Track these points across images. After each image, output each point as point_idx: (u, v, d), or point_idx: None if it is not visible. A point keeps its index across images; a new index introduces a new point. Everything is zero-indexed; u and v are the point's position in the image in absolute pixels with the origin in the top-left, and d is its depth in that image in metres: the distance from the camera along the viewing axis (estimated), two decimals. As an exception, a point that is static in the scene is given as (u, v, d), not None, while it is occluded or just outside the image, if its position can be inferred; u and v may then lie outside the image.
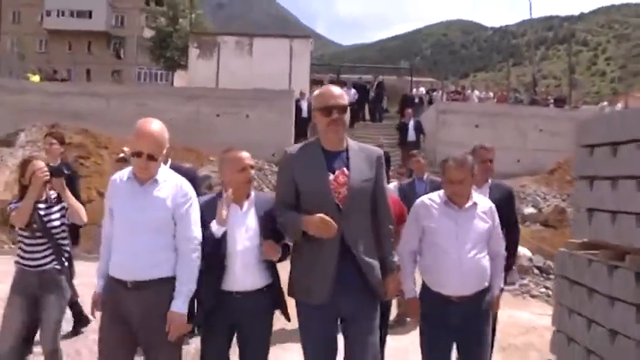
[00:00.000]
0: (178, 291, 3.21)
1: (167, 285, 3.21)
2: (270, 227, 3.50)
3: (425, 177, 7.42)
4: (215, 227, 3.35)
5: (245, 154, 3.57)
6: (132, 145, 3.26)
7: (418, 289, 3.91)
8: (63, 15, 53.17)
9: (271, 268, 3.54)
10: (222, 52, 23.16)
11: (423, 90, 27.49)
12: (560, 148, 17.05)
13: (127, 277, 3.18)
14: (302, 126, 19.38)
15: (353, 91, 22.15)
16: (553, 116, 20.74)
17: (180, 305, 3.19)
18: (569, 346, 4.71)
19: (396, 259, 3.46)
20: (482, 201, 3.84)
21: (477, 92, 27.06)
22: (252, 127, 18.08)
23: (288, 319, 3.55)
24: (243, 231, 3.47)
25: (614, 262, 4.36)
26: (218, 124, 17.92)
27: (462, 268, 3.58)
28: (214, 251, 3.36)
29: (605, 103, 32.33)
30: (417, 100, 23.63)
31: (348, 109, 3.31)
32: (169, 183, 3.32)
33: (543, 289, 7.50)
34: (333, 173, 3.22)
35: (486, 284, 3.74)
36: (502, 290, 3.95)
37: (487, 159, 4.84)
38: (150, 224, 3.20)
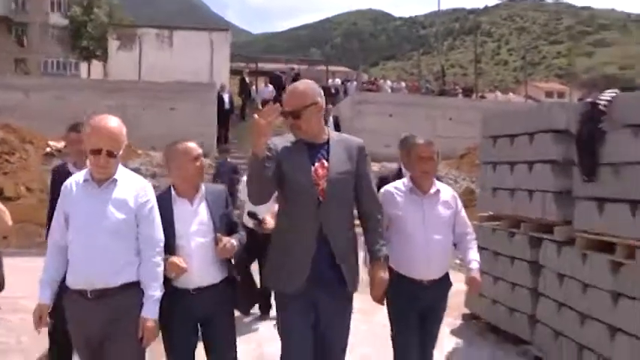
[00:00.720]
0: (147, 296, 3.07)
1: (131, 291, 3.04)
2: (224, 221, 3.45)
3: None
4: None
5: (194, 144, 3.43)
6: (87, 142, 3.04)
7: None
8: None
9: (227, 261, 3.45)
10: (142, 44, 23.13)
11: (338, 81, 28.54)
12: (468, 135, 18.30)
13: (87, 286, 2.97)
14: (224, 117, 19.92)
15: (269, 88, 22.98)
16: (460, 106, 22.40)
17: (151, 311, 3.06)
18: (479, 299, 5.85)
19: (384, 248, 3.35)
20: (444, 188, 3.90)
21: (389, 82, 28.34)
22: (177, 120, 18.28)
23: (244, 313, 3.50)
24: (195, 227, 3.33)
25: (512, 230, 5.49)
26: (144, 118, 17.92)
27: (428, 252, 3.66)
28: (167, 249, 3.21)
29: (511, 94, 34.65)
30: (333, 91, 24.62)
31: (311, 108, 3.19)
32: (129, 182, 3.15)
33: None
34: (313, 165, 3.18)
35: (447, 268, 3.87)
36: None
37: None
38: (111, 227, 3.00)
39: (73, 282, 3.03)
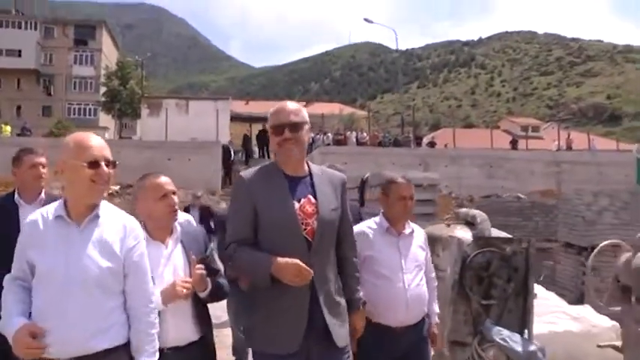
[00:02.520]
0: None
1: (118, 356, 2.38)
2: (204, 267, 2.83)
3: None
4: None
5: (165, 179, 2.88)
6: (75, 158, 2.36)
7: None
8: (-7, 54, 55.99)
9: (204, 315, 2.91)
10: (167, 111, 30.47)
11: (311, 135, 34.15)
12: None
13: (61, 354, 2.25)
14: (229, 165, 26.76)
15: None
16: (401, 153, 28.68)
17: None
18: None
19: (361, 294, 3.04)
20: (417, 229, 3.64)
21: (354, 134, 33.80)
22: (193, 167, 24.46)
23: None
24: (169, 275, 2.76)
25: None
26: (169, 166, 23.74)
27: (407, 297, 3.35)
28: None
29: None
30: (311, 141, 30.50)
31: (306, 127, 2.84)
32: (114, 220, 2.46)
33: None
34: (299, 202, 2.71)
35: (425, 311, 3.56)
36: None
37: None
38: (93, 279, 2.31)
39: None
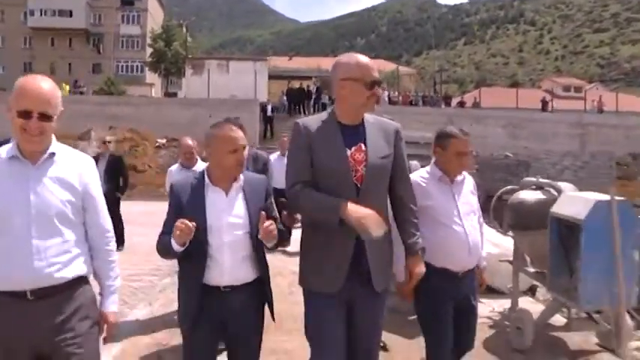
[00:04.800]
0: (105, 287, 2.64)
1: (82, 286, 2.50)
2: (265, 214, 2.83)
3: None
4: (174, 244, 2.69)
5: (238, 133, 2.89)
6: (14, 105, 2.33)
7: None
8: (45, 14, 58.47)
9: (262, 259, 2.94)
10: (209, 71, 32.37)
11: None
12: (430, 133, 25.76)
13: (26, 286, 2.31)
14: (267, 121, 28.70)
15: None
16: (429, 112, 29.68)
17: (111, 304, 2.64)
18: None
19: (421, 241, 2.98)
20: (466, 175, 3.61)
21: (386, 93, 34.78)
22: None
23: (273, 318, 3.00)
24: (230, 219, 2.83)
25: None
26: (209, 123, 25.72)
27: (469, 242, 3.37)
28: (197, 241, 2.71)
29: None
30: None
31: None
32: (69, 158, 2.52)
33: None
34: (350, 149, 2.79)
35: (483, 254, 3.61)
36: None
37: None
38: (54, 212, 2.37)
39: (3, 282, 2.31)
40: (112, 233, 2.70)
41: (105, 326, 2.64)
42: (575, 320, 5.28)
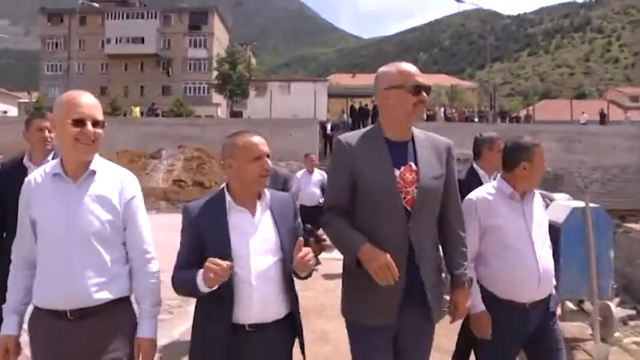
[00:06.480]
0: (143, 312, 2.48)
1: (123, 307, 2.45)
2: (292, 238, 2.50)
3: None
4: (201, 285, 2.27)
5: (259, 139, 2.53)
6: (65, 116, 2.33)
7: None
8: (120, 42, 62.71)
9: (292, 290, 2.55)
10: (271, 93, 34.60)
11: None
12: None
13: (66, 306, 2.31)
14: (327, 139, 30.00)
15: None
16: (483, 128, 30.00)
17: (148, 330, 2.46)
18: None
19: (468, 272, 2.71)
20: (535, 192, 3.22)
21: (441, 110, 35.57)
22: (293, 142, 27.78)
23: (304, 355, 2.62)
24: (258, 244, 2.44)
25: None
26: (272, 141, 27.37)
27: (540, 270, 2.97)
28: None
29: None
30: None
31: None
32: (110, 174, 2.47)
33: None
34: (399, 169, 2.54)
35: (554, 282, 3.17)
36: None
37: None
38: (94, 233, 2.35)
39: (46, 301, 2.34)
40: (152, 255, 2.53)
41: (140, 354, 2.46)
42: (568, 313, 5.84)
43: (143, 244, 2.50)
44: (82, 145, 2.34)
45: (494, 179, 4.09)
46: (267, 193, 2.56)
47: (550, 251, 3.12)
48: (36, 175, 2.43)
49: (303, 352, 2.59)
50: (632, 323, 6.08)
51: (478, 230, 3.07)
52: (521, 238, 3.00)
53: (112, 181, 2.45)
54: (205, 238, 2.40)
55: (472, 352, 3.41)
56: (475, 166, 4.61)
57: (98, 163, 2.45)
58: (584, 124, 33.97)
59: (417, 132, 2.68)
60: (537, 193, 3.24)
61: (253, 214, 2.48)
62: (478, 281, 3.07)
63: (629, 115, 35.71)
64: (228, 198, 2.48)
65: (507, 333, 2.98)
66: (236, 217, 2.45)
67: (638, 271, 7.11)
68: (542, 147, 3.13)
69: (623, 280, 6.72)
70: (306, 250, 2.38)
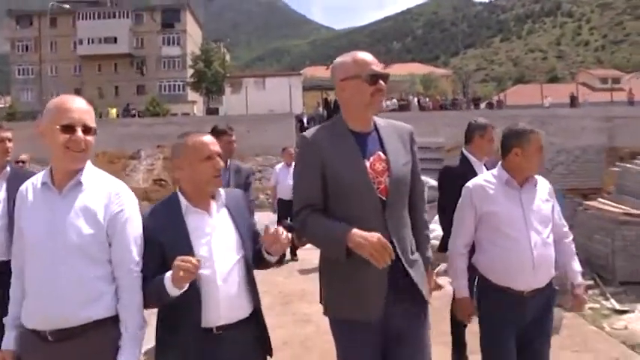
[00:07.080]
0: (126, 338, 2.26)
1: (106, 329, 2.24)
2: (250, 235, 2.57)
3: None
4: (169, 287, 2.21)
5: (209, 138, 2.51)
6: (54, 121, 2.21)
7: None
8: (92, 42, 61.67)
9: (255, 287, 2.52)
10: (246, 89, 34.96)
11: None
12: (459, 137, 26.31)
13: (46, 326, 2.17)
14: (304, 130, 30.66)
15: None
16: (456, 116, 30.52)
17: (133, 354, 2.26)
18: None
19: (430, 254, 2.76)
20: (540, 180, 3.22)
21: (415, 99, 35.91)
22: (269, 137, 27.93)
23: (270, 354, 2.60)
24: (220, 244, 2.42)
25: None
26: (249, 136, 27.58)
27: (534, 257, 2.98)
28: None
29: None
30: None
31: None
32: (98, 186, 2.31)
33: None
34: (368, 159, 2.51)
35: (554, 273, 3.14)
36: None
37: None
38: (75, 247, 2.19)
39: (28, 319, 2.24)
40: (138, 274, 2.32)
41: None
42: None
43: (130, 262, 2.31)
44: (73, 152, 2.22)
45: (485, 166, 4.26)
46: (222, 191, 2.56)
47: (551, 238, 3.12)
48: (28, 185, 2.35)
49: (270, 348, 2.58)
50: (590, 292, 6.54)
51: (474, 218, 3.16)
52: (516, 225, 3.03)
53: (100, 193, 2.30)
54: (165, 245, 2.35)
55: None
56: (466, 152, 4.55)
57: (89, 172, 2.32)
58: (547, 107, 34.62)
59: (378, 120, 2.66)
60: (544, 181, 3.25)
61: (210, 214, 2.46)
62: (476, 268, 3.17)
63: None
64: (183, 201, 2.45)
65: (502, 319, 3.02)
66: (194, 220, 2.42)
67: (596, 245, 7.59)
68: (539, 134, 3.11)
69: (585, 253, 7.17)
70: (278, 228, 2.38)
